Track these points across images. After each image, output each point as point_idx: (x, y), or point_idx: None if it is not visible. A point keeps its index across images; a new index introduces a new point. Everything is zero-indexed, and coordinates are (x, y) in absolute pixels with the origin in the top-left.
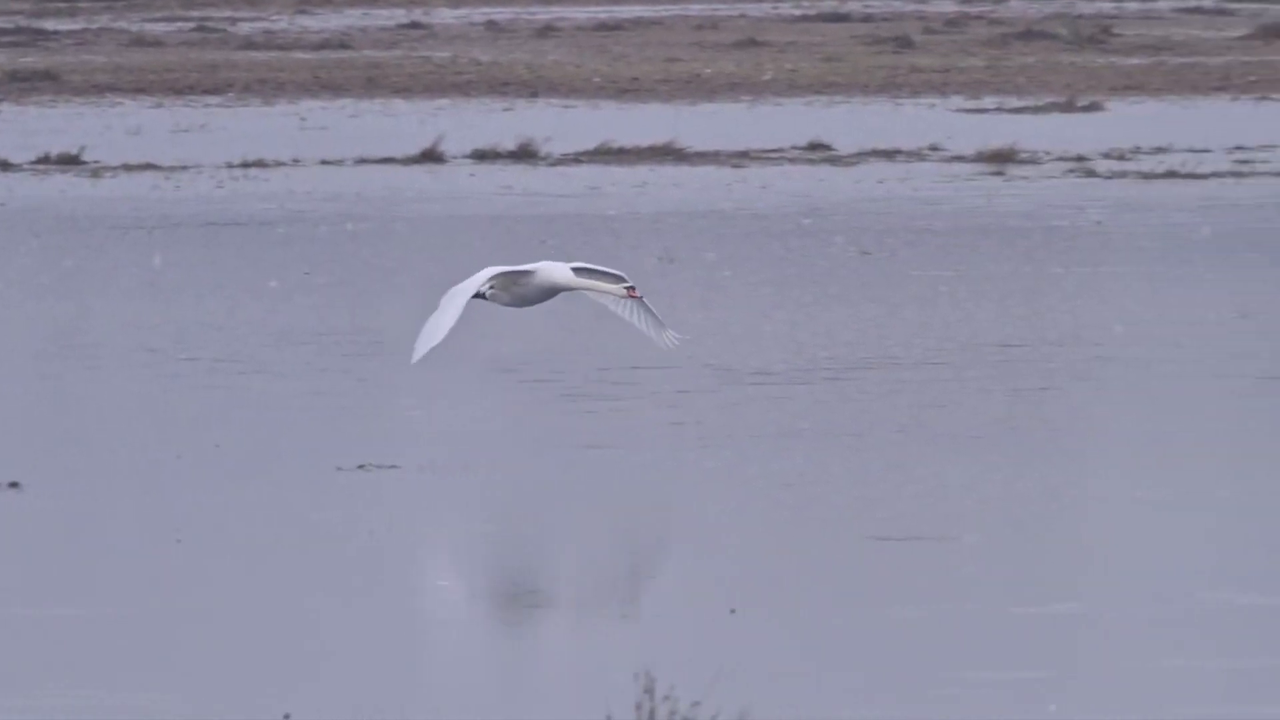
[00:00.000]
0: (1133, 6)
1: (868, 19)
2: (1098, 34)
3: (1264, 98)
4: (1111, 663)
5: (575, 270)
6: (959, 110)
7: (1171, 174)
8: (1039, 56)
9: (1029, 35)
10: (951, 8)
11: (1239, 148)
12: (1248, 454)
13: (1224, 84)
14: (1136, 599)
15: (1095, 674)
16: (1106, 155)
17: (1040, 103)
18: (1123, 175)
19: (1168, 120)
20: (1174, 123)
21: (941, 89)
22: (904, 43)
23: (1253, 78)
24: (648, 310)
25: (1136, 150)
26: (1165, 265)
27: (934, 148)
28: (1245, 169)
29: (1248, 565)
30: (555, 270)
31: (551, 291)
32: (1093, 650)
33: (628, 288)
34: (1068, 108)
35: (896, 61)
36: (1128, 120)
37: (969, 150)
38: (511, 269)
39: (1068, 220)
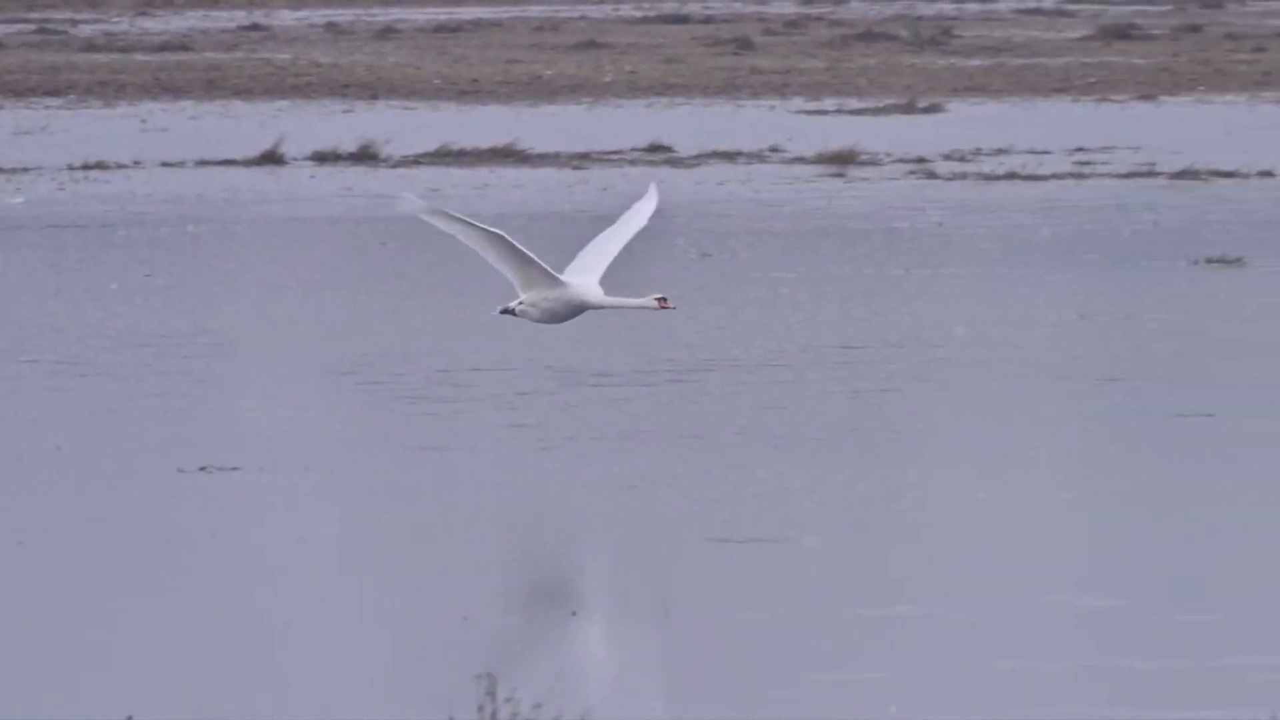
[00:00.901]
0: (973, 8)
1: (708, 20)
2: (938, 35)
3: (1104, 99)
4: (951, 664)
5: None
6: (799, 112)
7: (1012, 175)
8: (879, 58)
9: (869, 37)
10: (792, 9)
11: (1079, 149)
12: (1088, 455)
13: (1064, 85)
14: (977, 600)
15: (935, 675)
16: (947, 157)
17: (881, 104)
18: (963, 177)
19: (1008, 122)
20: (1014, 124)
21: (782, 90)
22: (744, 44)
23: (1093, 79)
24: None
25: (977, 152)
26: (1006, 267)
27: (774, 149)
28: (1085, 170)
29: (1087, 567)
30: (587, 289)
31: (581, 309)
32: (933, 651)
33: (658, 299)
34: (908, 109)
35: (737, 63)
36: (968, 122)
37: (809, 152)
38: (525, 254)
39: (908, 222)
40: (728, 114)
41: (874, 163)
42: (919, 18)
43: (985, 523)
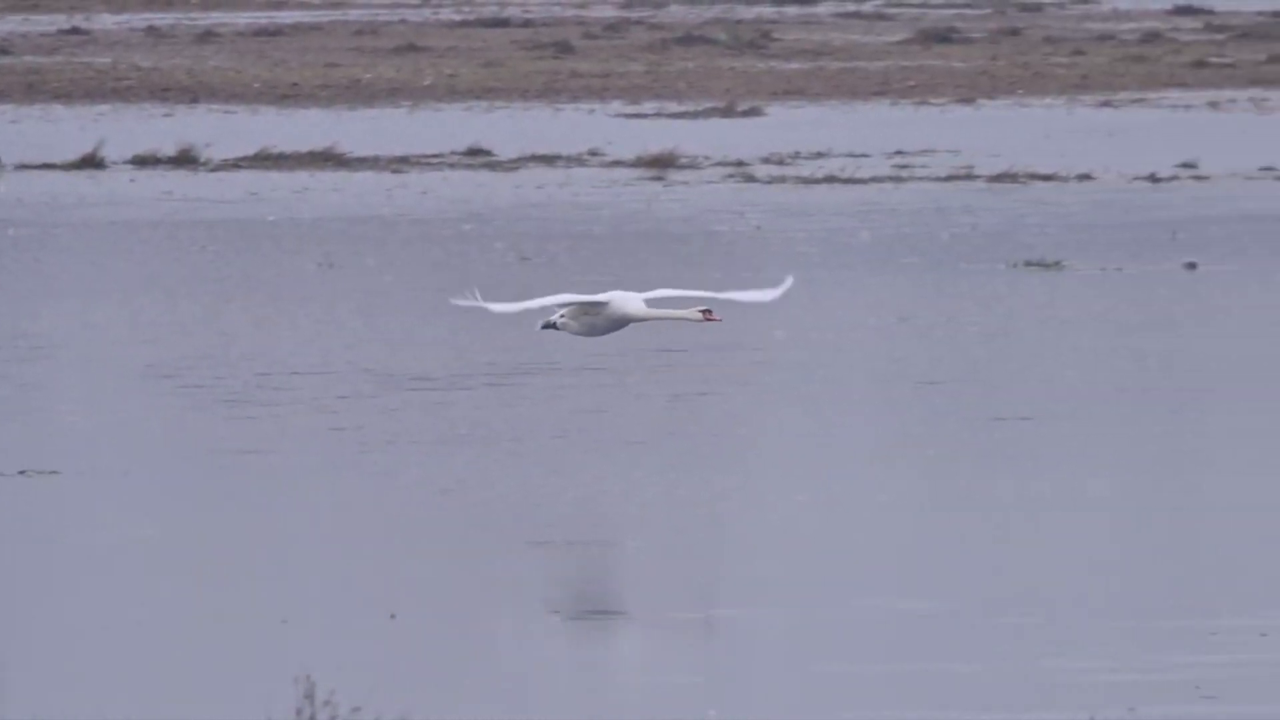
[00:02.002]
0: (792, 11)
1: (528, 24)
2: (757, 39)
3: (923, 102)
4: (770, 667)
5: (648, 302)
6: (619, 115)
7: (831, 179)
8: (699, 61)
9: (689, 40)
10: (611, 13)
11: (898, 152)
12: (907, 458)
13: (883, 89)
14: (796, 603)
15: (755, 678)
16: (766, 160)
17: (700, 107)
18: (782, 180)
19: (827, 125)
20: (833, 127)
21: (601, 94)
22: (564, 48)
23: (912, 82)
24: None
25: (796, 155)
26: (825, 270)
27: (594, 153)
28: (904, 174)
29: (907, 570)
30: (629, 302)
31: (623, 322)
32: (752, 654)
33: (704, 311)
34: (727, 112)
35: (556, 67)
36: (787, 125)
37: (629, 155)
38: (584, 298)
39: (727, 225)
40: (547, 117)
41: (693, 166)
42: (738, 21)
43: (805, 526)
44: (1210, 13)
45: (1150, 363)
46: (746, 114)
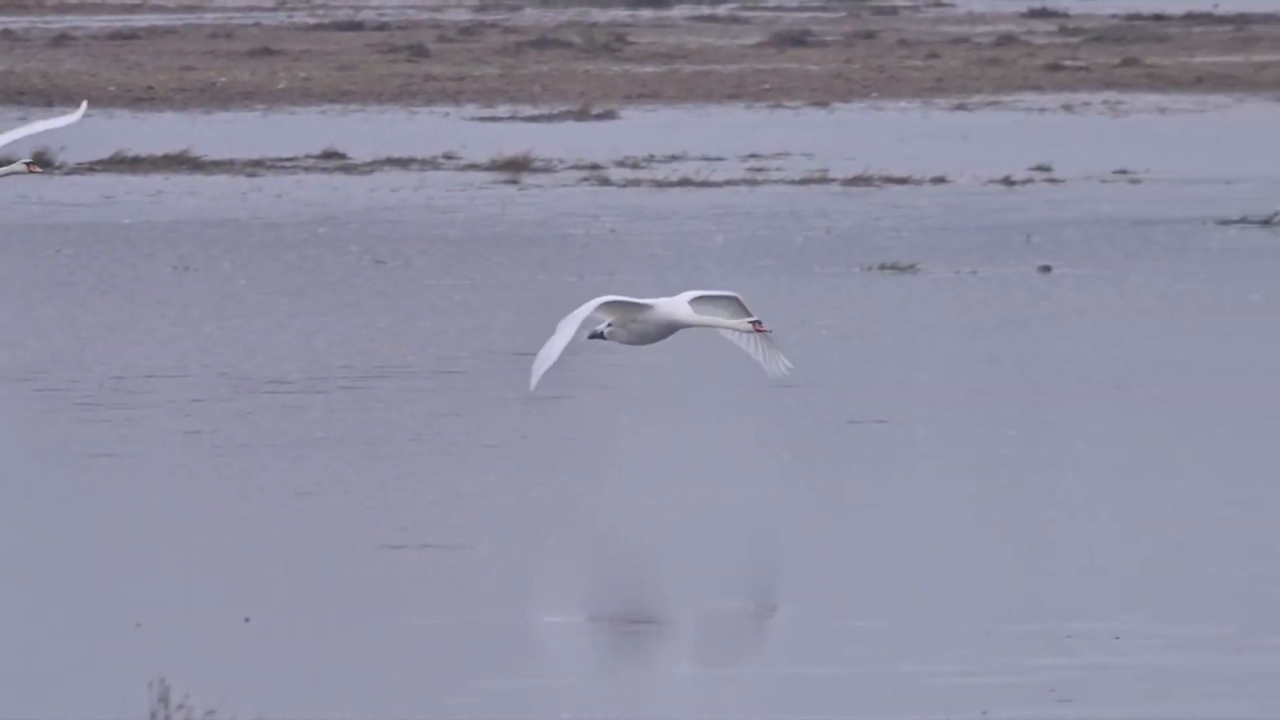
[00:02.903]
0: (647, 15)
1: (382, 28)
2: (612, 42)
3: (778, 105)
4: (623, 669)
5: (693, 301)
6: (473, 118)
7: (685, 182)
8: (553, 65)
9: (543, 43)
10: (466, 16)
11: (753, 155)
12: (761, 462)
13: (738, 92)
14: (649, 606)
15: (607, 681)
16: (621, 163)
17: (555, 110)
18: (637, 183)
19: (682, 128)
20: (688, 130)
21: (456, 97)
22: (419, 51)
23: (766, 85)
24: (766, 340)
25: (650, 158)
26: (679, 273)
27: (448, 156)
28: (759, 177)
29: (762, 573)
30: (676, 307)
31: (671, 329)
32: (605, 657)
33: (753, 322)
34: (582, 115)
35: (411, 70)
36: (642, 128)
37: (483, 158)
38: (625, 300)
39: (582, 228)
40: (402, 121)
41: (548, 169)
42: (592, 24)
43: (658, 529)
44: (1065, 16)
45: (1005, 366)
46: (601, 117)
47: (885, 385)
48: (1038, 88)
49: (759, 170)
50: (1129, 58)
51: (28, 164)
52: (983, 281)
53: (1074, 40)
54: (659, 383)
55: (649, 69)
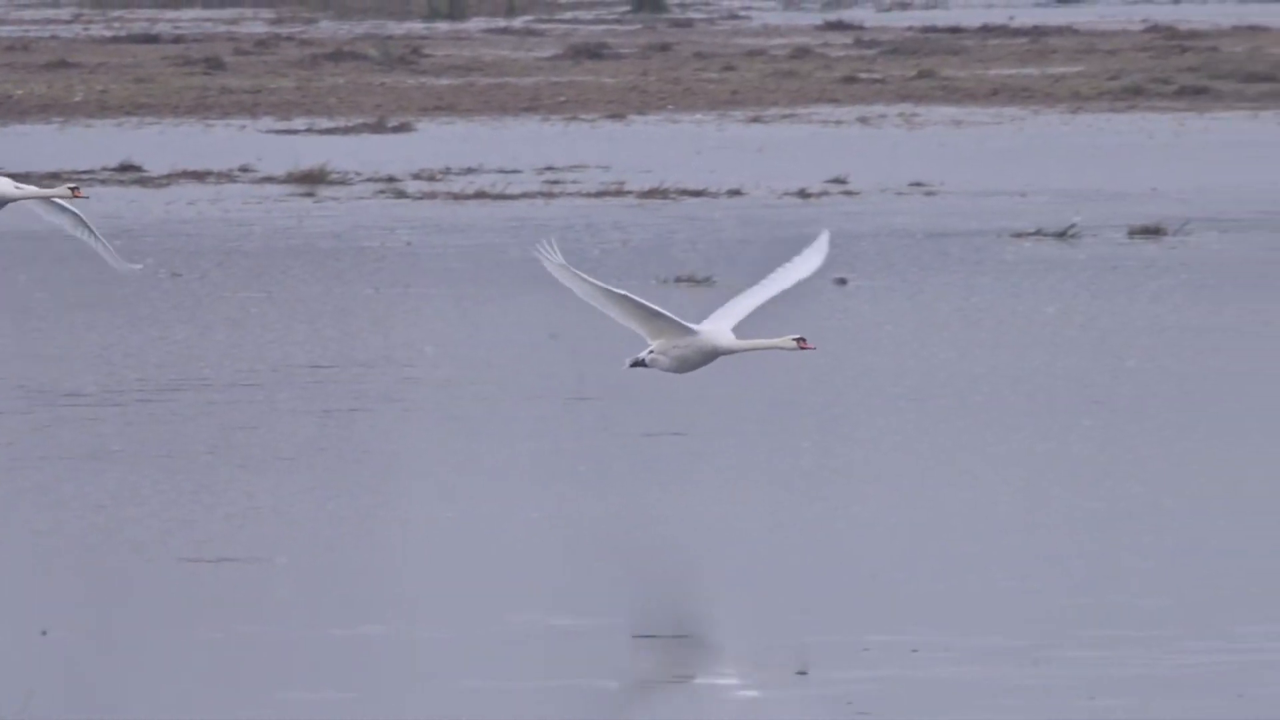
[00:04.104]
0: (443, 28)
1: (179, 40)
2: (408, 55)
3: (574, 118)
4: (422, 683)
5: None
6: (270, 131)
7: (482, 194)
8: (349, 77)
9: (339, 56)
10: (262, 29)
11: (549, 168)
12: (558, 474)
13: (534, 105)
14: (447, 619)
15: (405, 694)
16: (416, 176)
17: (351, 123)
18: (433, 196)
19: (478, 141)
20: (484, 143)
21: (252, 110)
22: (215, 64)
23: (562, 98)
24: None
25: (447, 171)
26: (475, 286)
27: (245, 169)
28: (555, 190)
29: (559, 586)
30: (719, 335)
31: (714, 355)
32: (403, 671)
33: (798, 340)
34: (378, 128)
35: (207, 83)
36: (438, 141)
37: (280, 171)
38: (655, 310)
39: (378, 241)
40: (198, 134)
41: (344, 182)
42: (388, 37)
43: (456, 542)
44: (860, 28)
45: (801, 378)
46: (397, 130)
47: (682, 398)
48: (833, 100)
49: (555, 183)
50: (925, 70)
51: (72, 188)
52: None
53: (870, 53)
54: (454, 395)
55: (445, 82)
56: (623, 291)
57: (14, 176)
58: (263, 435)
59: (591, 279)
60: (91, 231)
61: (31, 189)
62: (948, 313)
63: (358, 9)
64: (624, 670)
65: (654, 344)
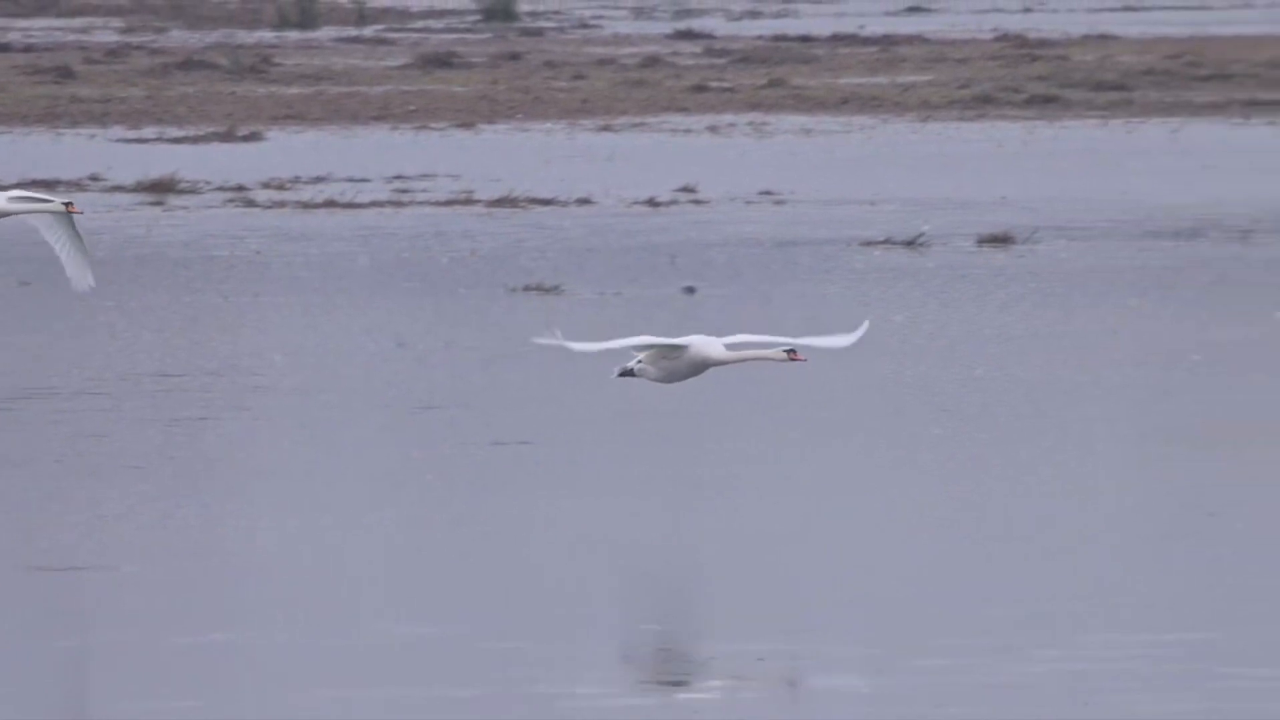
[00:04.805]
0: (293, 36)
1: (29, 49)
2: (258, 64)
3: (423, 127)
4: (269, 692)
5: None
6: (120, 140)
7: (331, 203)
8: (199, 86)
9: (190, 65)
10: (113, 38)
11: (398, 177)
12: (406, 483)
13: (384, 113)
14: (295, 628)
15: (253, 703)
16: (266, 185)
17: (201, 132)
18: (282, 205)
19: (328, 150)
20: (334, 152)
21: (102, 119)
22: (65, 73)
23: (412, 107)
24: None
25: (296, 180)
26: (324, 295)
27: (94, 178)
28: (404, 198)
29: (406, 595)
30: (708, 346)
31: (703, 367)
32: (251, 679)
33: (788, 351)
34: (228, 137)
35: (57, 92)
36: (288, 150)
37: (129, 180)
38: (662, 341)
39: (227, 250)
40: (48, 142)
41: (193, 191)
42: (239, 46)
43: (304, 550)
44: (710, 37)
45: (648, 386)
46: (247, 139)
47: (529, 406)
48: (683, 109)
49: (405, 192)
50: (775, 79)
51: (66, 204)
52: (627, 303)
53: (720, 61)
54: (303, 403)
55: (295, 91)
56: (640, 341)
57: None
58: (110, 443)
59: (609, 344)
60: (75, 240)
61: (26, 203)
62: (797, 321)
63: (208, 18)
64: (471, 679)
65: (643, 355)
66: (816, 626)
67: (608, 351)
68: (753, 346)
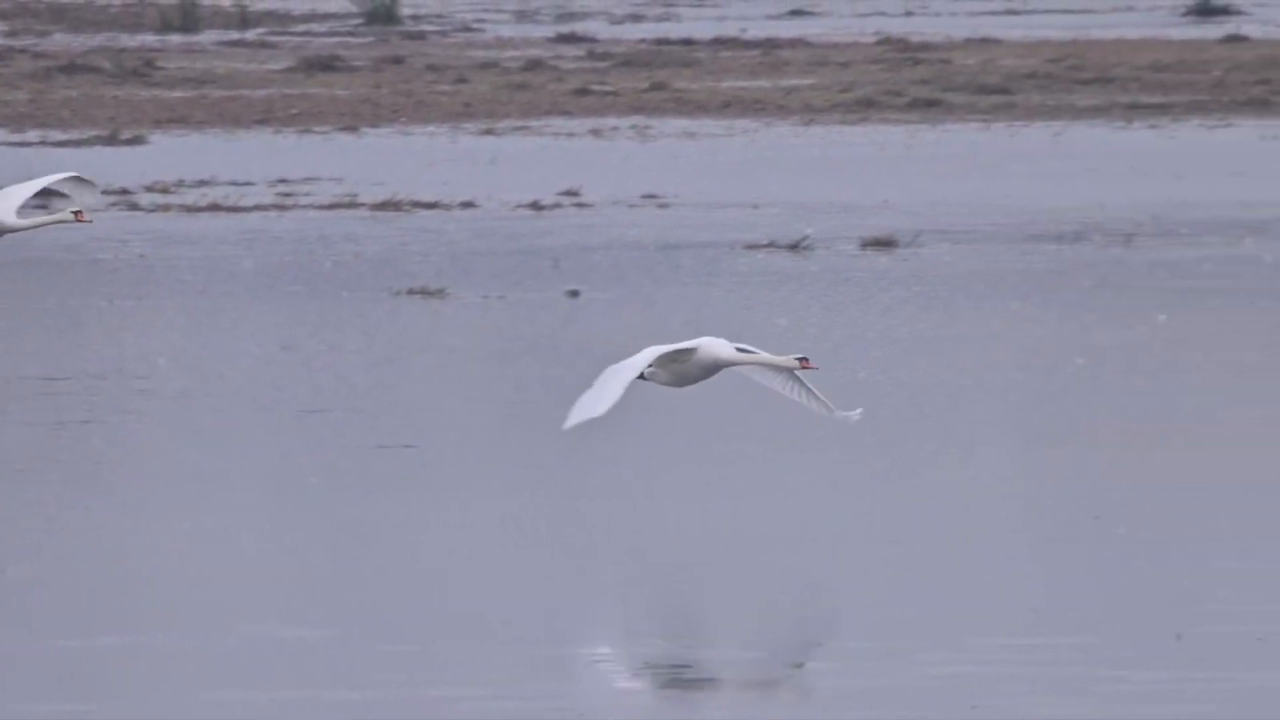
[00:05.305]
0: (176, 40)
1: None
2: (141, 67)
3: (306, 130)
4: (158, 695)
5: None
6: (2, 144)
7: (215, 207)
8: (82, 90)
9: (72, 69)
10: None
11: (282, 180)
12: (290, 486)
13: (267, 117)
14: (183, 631)
15: (143, 706)
16: (150, 188)
17: (84, 136)
18: (166, 208)
19: (211, 153)
20: (217, 155)
21: None
22: None
23: (295, 110)
24: (804, 384)
25: (180, 183)
26: (208, 298)
27: None
28: (288, 202)
29: (292, 598)
30: (718, 346)
31: (714, 369)
32: (139, 683)
33: (799, 359)
34: (111, 140)
35: None
36: (171, 153)
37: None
38: (673, 348)
39: (111, 253)
40: None
41: None
42: (122, 50)
43: (190, 553)
44: (593, 40)
45: (533, 390)
46: (130, 142)
47: (414, 409)
48: (566, 112)
49: (288, 195)
50: (657, 82)
51: (75, 212)
52: (511, 306)
53: (602, 65)
54: (188, 407)
55: (178, 94)
56: (651, 354)
57: None
58: None
59: (627, 378)
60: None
61: (36, 217)
62: (680, 325)
63: (91, 22)
64: (356, 682)
65: (654, 360)
66: (702, 631)
67: (630, 383)
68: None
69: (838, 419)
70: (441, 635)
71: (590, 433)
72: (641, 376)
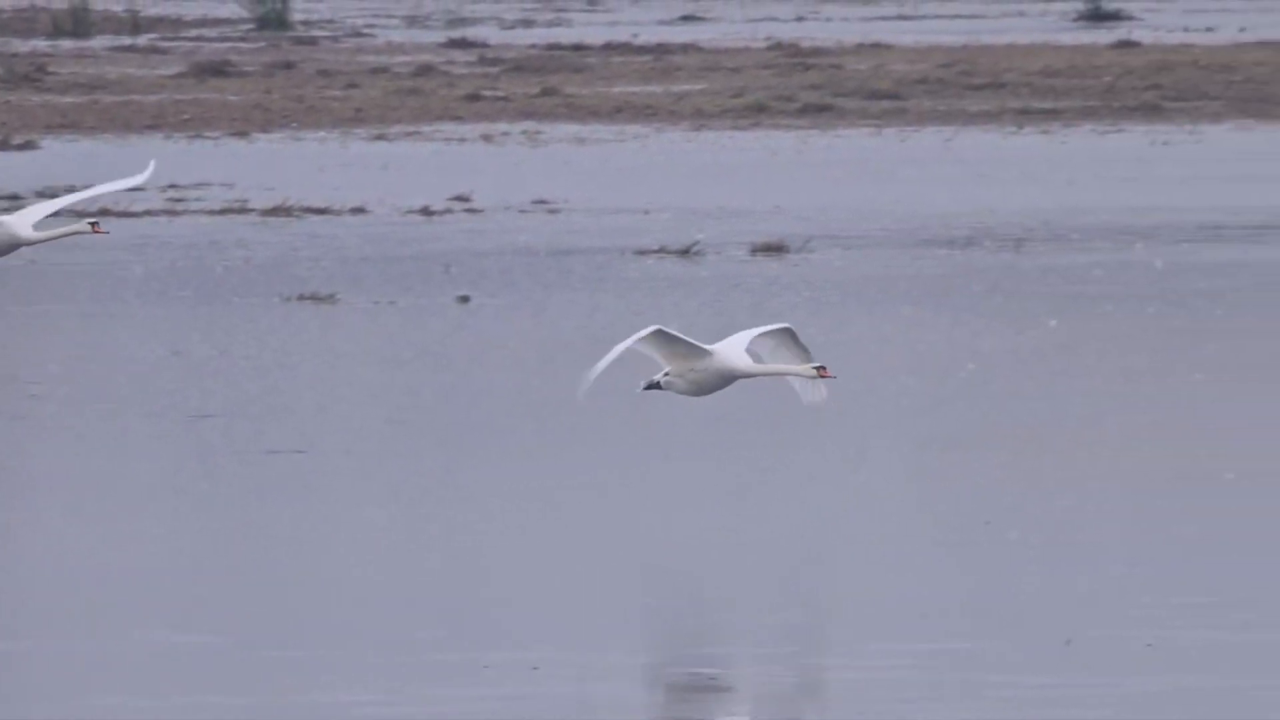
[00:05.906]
0: (67, 45)
1: None
2: (32, 72)
3: (198, 135)
4: (50, 700)
5: (753, 340)
6: None
7: (105, 212)
8: None
9: None
10: None
11: (172, 186)
12: (180, 492)
13: (158, 122)
14: (73, 637)
15: (31, 710)
16: (41, 194)
17: None
18: (56, 214)
19: (102, 158)
20: (108, 161)
21: None
22: None
23: (186, 116)
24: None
25: (71, 189)
26: (98, 304)
27: None
28: (179, 207)
29: (181, 603)
30: (735, 357)
31: (731, 378)
32: (30, 688)
33: (818, 368)
34: (2, 146)
35: None
36: (62, 159)
37: None
38: (680, 337)
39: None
40: None
41: None
42: (13, 55)
43: (79, 559)
44: (484, 46)
45: (424, 396)
46: (21, 148)
47: (304, 415)
48: (457, 118)
49: (179, 200)
50: (548, 88)
51: (92, 224)
52: (402, 312)
53: (493, 70)
54: (77, 413)
55: (70, 99)
56: (652, 329)
57: None
58: None
59: (620, 345)
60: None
61: (52, 230)
62: (571, 331)
63: None
64: (245, 687)
65: (669, 367)
66: (587, 635)
67: (621, 354)
68: (749, 340)
69: (811, 399)
70: (331, 640)
71: (476, 436)
72: (658, 385)
